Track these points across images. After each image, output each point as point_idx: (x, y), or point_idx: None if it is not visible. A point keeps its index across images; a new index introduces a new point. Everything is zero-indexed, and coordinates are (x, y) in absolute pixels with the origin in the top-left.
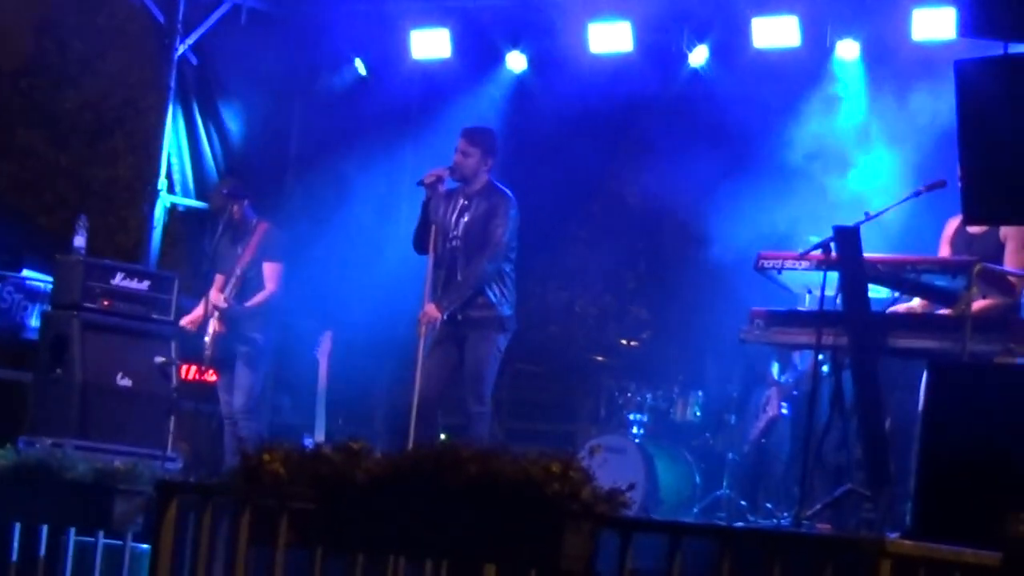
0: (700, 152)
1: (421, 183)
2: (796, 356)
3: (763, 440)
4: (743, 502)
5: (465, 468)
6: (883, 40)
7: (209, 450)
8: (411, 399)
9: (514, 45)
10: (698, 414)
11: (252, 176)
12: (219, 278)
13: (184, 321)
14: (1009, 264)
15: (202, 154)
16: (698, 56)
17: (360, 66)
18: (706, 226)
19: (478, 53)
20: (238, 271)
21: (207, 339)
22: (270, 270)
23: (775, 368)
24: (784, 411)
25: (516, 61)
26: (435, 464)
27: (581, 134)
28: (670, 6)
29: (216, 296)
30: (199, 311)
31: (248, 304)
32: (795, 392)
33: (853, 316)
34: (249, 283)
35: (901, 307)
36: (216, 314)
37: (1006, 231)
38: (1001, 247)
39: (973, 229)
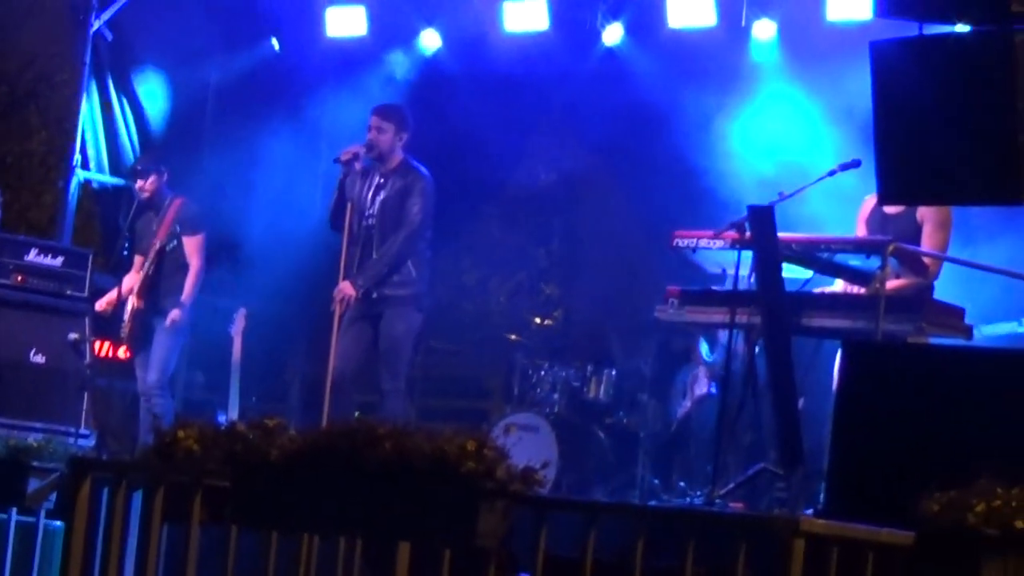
0: (615, 130)
1: (337, 160)
2: (723, 335)
3: (689, 419)
4: (656, 481)
5: (380, 445)
6: (798, 20)
7: (122, 427)
8: (326, 376)
9: (428, 23)
10: (611, 392)
11: (167, 151)
12: (138, 259)
13: (99, 304)
14: (926, 244)
15: (116, 130)
16: (613, 34)
17: (275, 43)
18: (619, 204)
19: (392, 31)
20: (156, 245)
21: (125, 315)
22: (192, 244)
23: (704, 347)
24: (713, 391)
25: (430, 39)
26: (350, 441)
27: (495, 112)
28: None
29: (133, 280)
30: (114, 293)
31: (184, 297)
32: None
33: (767, 295)
34: (167, 258)
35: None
36: (135, 290)
37: (923, 212)
38: (917, 227)
39: (889, 209)
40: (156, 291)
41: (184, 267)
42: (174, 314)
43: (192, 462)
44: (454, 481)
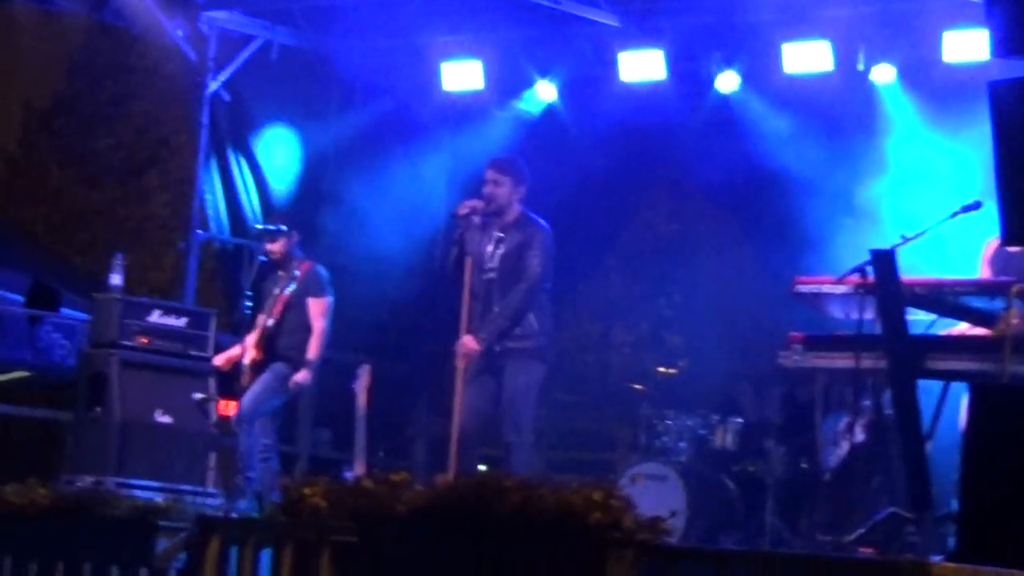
0: (732, 178)
1: (454, 215)
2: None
3: (845, 466)
4: (784, 527)
5: (507, 498)
6: (916, 63)
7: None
8: (450, 431)
9: (544, 74)
10: (738, 440)
11: (286, 211)
12: (261, 317)
13: (219, 359)
14: None
15: (236, 190)
16: (728, 82)
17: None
18: (739, 251)
19: (510, 83)
20: (282, 300)
21: (245, 367)
22: (318, 306)
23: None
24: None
25: (546, 90)
26: (477, 495)
27: (613, 163)
28: (701, 33)
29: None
30: (236, 350)
31: (311, 356)
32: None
33: (891, 339)
34: (290, 315)
35: (954, 331)
36: (254, 342)
37: None
38: None
39: (1012, 249)
40: (275, 345)
41: (306, 327)
42: (301, 375)
43: (319, 518)
44: (581, 532)
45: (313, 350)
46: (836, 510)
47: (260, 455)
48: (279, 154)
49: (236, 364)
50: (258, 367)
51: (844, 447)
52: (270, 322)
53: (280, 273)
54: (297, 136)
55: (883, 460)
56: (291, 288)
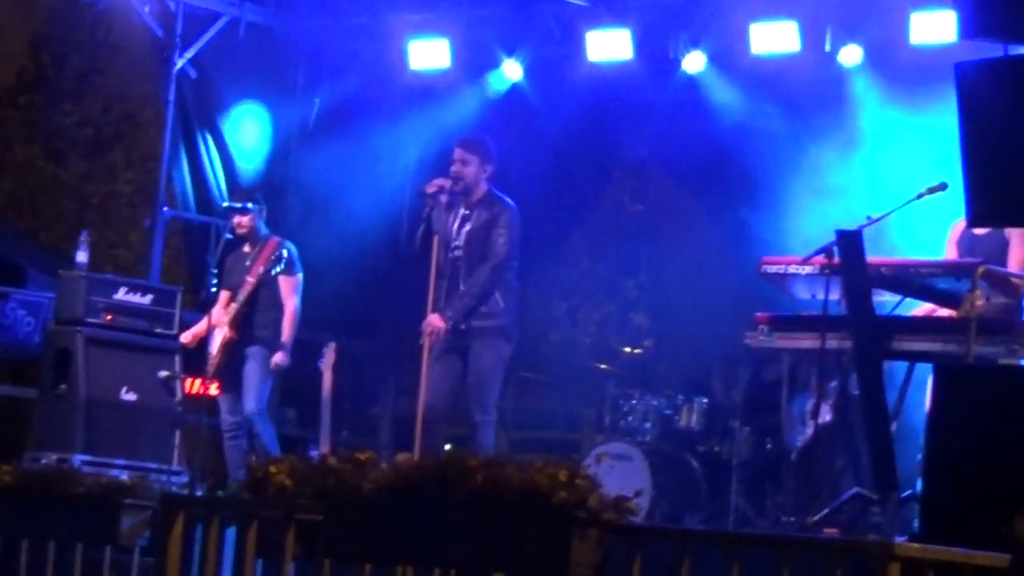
0: (699, 159)
1: (422, 193)
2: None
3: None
4: (749, 508)
5: (471, 477)
6: (883, 44)
7: (213, 463)
8: (416, 410)
9: (511, 53)
10: (703, 420)
11: (253, 188)
12: (225, 294)
13: (185, 336)
14: (1013, 265)
15: (202, 167)
16: (695, 62)
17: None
18: (706, 232)
19: (477, 62)
20: (251, 281)
21: (213, 347)
22: (289, 284)
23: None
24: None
25: (512, 69)
26: (441, 474)
27: (579, 141)
28: (668, 13)
29: (220, 314)
30: (201, 326)
31: (284, 338)
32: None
33: (857, 320)
34: (261, 294)
35: (919, 311)
36: (228, 321)
37: (1011, 232)
38: (1006, 248)
39: (978, 231)
40: (250, 324)
41: (277, 305)
42: (278, 357)
43: (284, 497)
44: (546, 511)
45: (287, 330)
46: (801, 491)
47: (228, 433)
48: (246, 132)
49: (202, 341)
50: (230, 347)
51: (810, 428)
52: (241, 298)
53: (246, 249)
54: (264, 114)
55: (848, 441)
56: (260, 265)
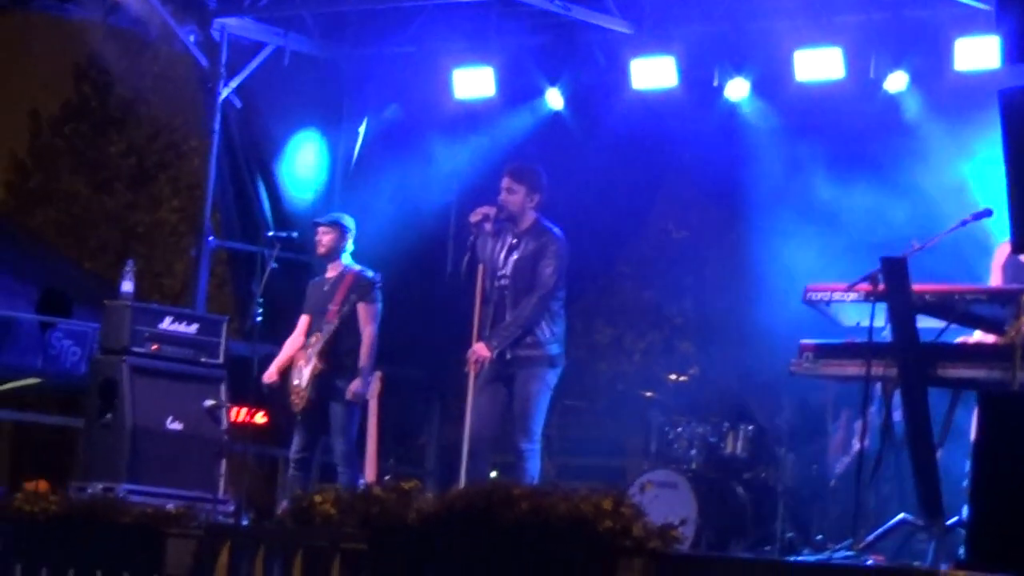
0: (744, 184)
1: (469, 221)
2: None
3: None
4: (795, 535)
5: (516, 506)
6: (927, 70)
7: (260, 493)
8: (462, 438)
9: (555, 81)
10: (749, 448)
11: (303, 215)
12: (304, 319)
13: (269, 376)
14: None
15: (247, 197)
16: (739, 89)
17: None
18: (750, 258)
19: (521, 90)
20: (337, 311)
21: (302, 379)
22: (368, 312)
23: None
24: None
25: (557, 97)
26: (486, 502)
27: (624, 169)
28: (712, 40)
29: (298, 342)
30: (282, 358)
31: (362, 364)
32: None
33: (902, 347)
34: (344, 323)
35: (971, 339)
36: (318, 351)
37: None
38: None
39: None
40: (337, 353)
41: (356, 332)
42: (355, 385)
43: (329, 526)
44: (592, 540)
45: (364, 358)
46: (845, 518)
47: (295, 464)
48: (293, 160)
49: (288, 367)
50: (320, 379)
51: (850, 455)
52: (328, 330)
53: (329, 275)
54: (311, 142)
55: (893, 467)
56: (342, 294)
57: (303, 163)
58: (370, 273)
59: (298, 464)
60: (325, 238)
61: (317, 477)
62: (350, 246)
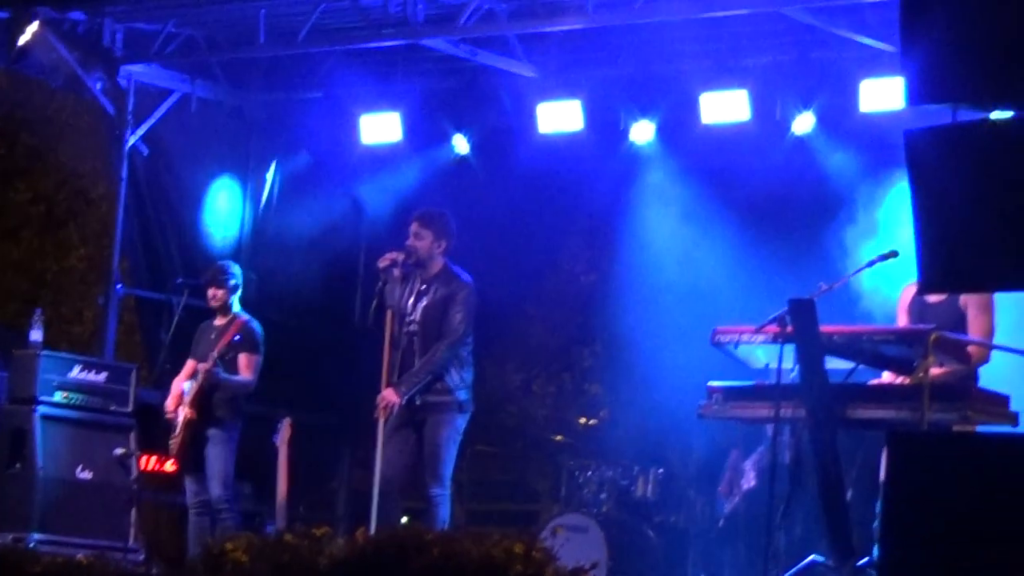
0: (651, 227)
1: (376, 267)
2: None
3: (737, 514)
4: None
5: (428, 552)
6: (833, 112)
7: (170, 541)
8: (372, 484)
9: (461, 125)
10: (659, 491)
11: (209, 262)
12: (190, 363)
13: (168, 410)
14: (972, 331)
15: (156, 243)
16: (643, 132)
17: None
18: (660, 301)
19: (427, 135)
20: (215, 355)
21: (178, 424)
22: (247, 360)
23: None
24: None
25: (464, 142)
26: (398, 548)
27: (532, 213)
28: (619, 84)
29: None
30: (175, 392)
31: (224, 377)
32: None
33: (810, 389)
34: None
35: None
36: (189, 399)
37: (966, 299)
38: (960, 314)
39: (930, 298)
40: (209, 402)
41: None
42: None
43: (240, 573)
44: None
45: (231, 383)
46: (756, 559)
47: (193, 510)
48: (200, 207)
49: (159, 415)
50: (192, 426)
51: (737, 496)
52: (200, 378)
53: (216, 323)
54: (218, 189)
55: (804, 508)
56: (225, 341)
57: (212, 209)
58: (256, 324)
59: (197, 509)
60: (219, 293)
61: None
62: (238, 295)
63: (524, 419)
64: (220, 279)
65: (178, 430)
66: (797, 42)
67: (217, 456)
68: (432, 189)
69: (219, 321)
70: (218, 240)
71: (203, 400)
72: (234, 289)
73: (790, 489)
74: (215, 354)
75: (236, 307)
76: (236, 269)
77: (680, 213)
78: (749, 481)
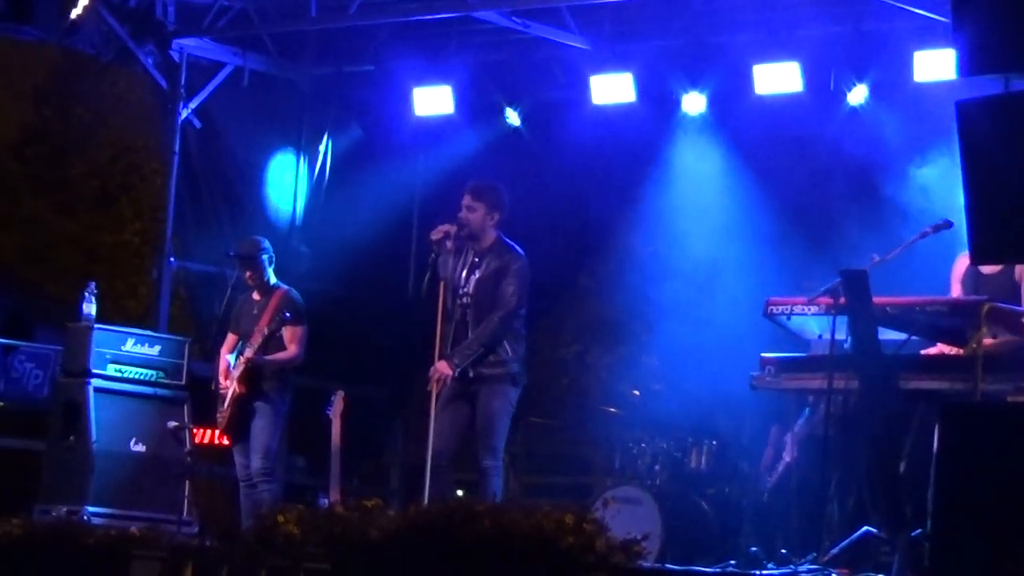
0: (704, 198)
1: (429, 239)
2: (810, 400)
3: (780, 486)
4: (755, 549)
5: (478, 523)
6: (887, 83)
7: (224, 513)
8: (425, 456)
9: (514, 98)
10: (712, 462)
11: (263, 235)
12: (231, 337)
13: (221, 384)
14: None
15: (208, 217)
16: (696, 103)
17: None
18: (716, 272)
19: (480, 107)
20: (263, 332)
21: (226, 400)
22: (292, 333)
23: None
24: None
25: (516, 114)
26: (448, 520)
27: (586, 184)
28: (670, 56)
29: (227, 355)
30: (223, 368)
31: (270, 358)
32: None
33: (863, 360)
34: (269, 346)
35: (932, 350)
36: (237, 375)
37: (1021, 270)
38: (1014, 286)
39: (986, 269)
40: (257, 377)
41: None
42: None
43: (292, 546)
44: (554, 556)
45: (277, 361)
46: (811, 531)
47: (244, 483)
48: (254, 180)
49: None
50: (240, 401)
51: (780, 467)
52: (249, 353)
53: (255, 297)
54: (271, 161)
55: (855, 480)
56: (268, 316)
57: (265, 182)
58: (296, 295)
59: (246, 483)
60: (250, 271)
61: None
62: (272, 267)
63: (578, 391)
64: (249, 260)
65: (226, 404)
66: (850, 13)
67: (262, 429)
68: (485, 161)
69: (257, 296)
70: (271, 213)
71: (251, 375)
72: (267, 263)
73: (841, 460)
74: (264, 331)
75: (272, 279)
76: (264, 243)
77: (733, 184)
78: (791, 453)
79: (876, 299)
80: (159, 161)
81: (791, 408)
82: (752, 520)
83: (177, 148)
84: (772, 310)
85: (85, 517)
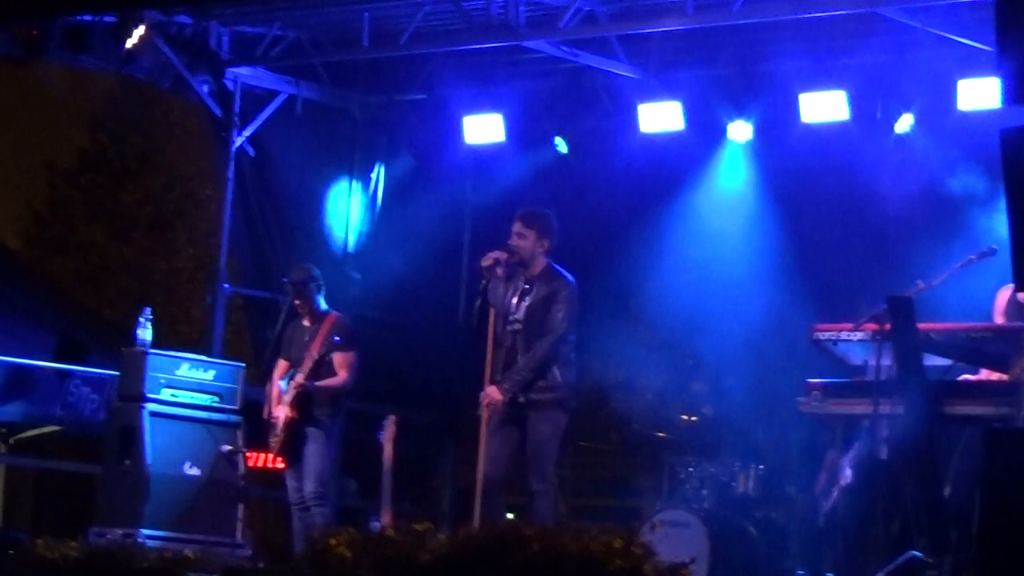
0: (752, 225)
1: (479, 266)
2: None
3: (836, 510)
4: (802, 572)
5: (528, 546)
6: (932, 111)
7: (278, 537)
8: (475, 480)
9: (564, 125)
10: (760, 487)
11: (314, 262)
12: (282, 363)
13: (272, 414)
14: None
15: (262, 243)
16: (743, 131)
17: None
18: (763, 299)
19: (530, 135)
20: (314, 356)
21: (278, 425)
22: (343, 359)
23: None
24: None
25: (566, 141)
26: (498, 544)
27: (635, 213)
28: (718, 84)
29: (279, 381)
30: (274, 394)
31: (321, 384)
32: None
33: (908, 385)
34: (320, 370)
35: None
36: (289, 400)
37: None
38: None
39: None
40: (309, 402)
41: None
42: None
43: (344, 568)
44: None
45: (329, 387)
46: (857, 554)
47: (296, 506)
48: (309, 207)
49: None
50: (292, 426)
51: (835, 492)
52: (299, 379)
53: (306, 323)
54: (325, 189)
55: (901, 504)
56: (320, 342)
57: (318, 209)
58: (346, 320)
59: (298, 505)
60: (300, 299)
61: (333, 517)
62: (322, 293)
63: (626, 416)
64: (299, 287)
65: (279, 430)
66: (895, 42)
67: (314, 453)
68: (534, 189)
69: (308, 322)
70: (324, 239)
71: (302, 400)
72: (315, 291)
73: (887, 485)
74: (315, 357)
75: (323, 305)
76: (313, 271)
77: (781, 211)
78: (847, 478)
79: (921, 325)
80: (213, 188)
81: (845, 432)
82: (799, 544)
83: (231, 175)
84: (818, 335)
85: (140, 540)
